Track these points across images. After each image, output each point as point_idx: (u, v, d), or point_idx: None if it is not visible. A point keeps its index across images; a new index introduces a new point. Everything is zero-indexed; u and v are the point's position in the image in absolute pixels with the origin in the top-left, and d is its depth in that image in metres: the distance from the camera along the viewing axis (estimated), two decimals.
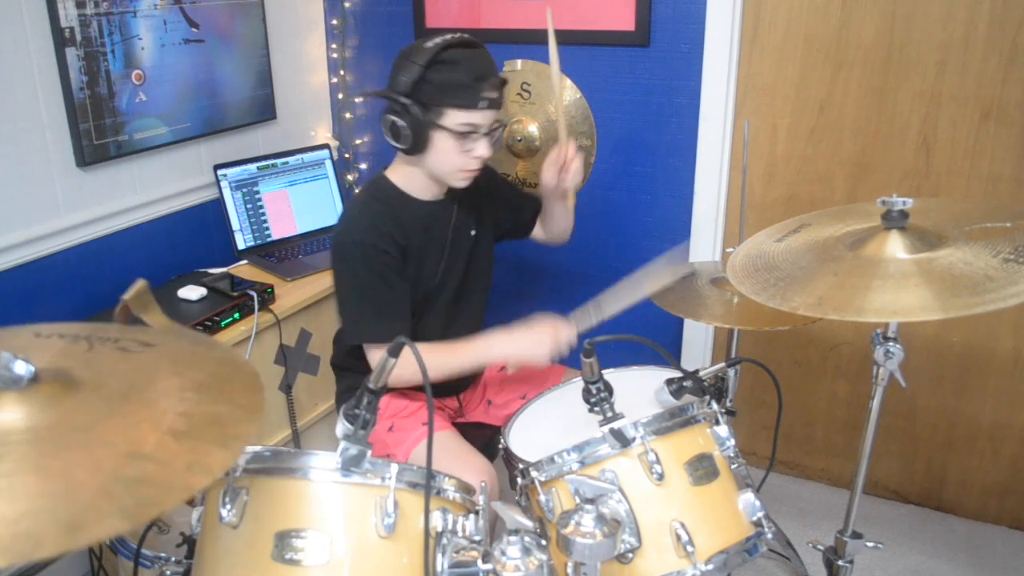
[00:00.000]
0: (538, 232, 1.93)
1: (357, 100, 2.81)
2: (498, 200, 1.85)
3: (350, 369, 1.80)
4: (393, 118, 1.54)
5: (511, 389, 1.88)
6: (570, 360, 1.79)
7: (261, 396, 0.87)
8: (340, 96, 2.82)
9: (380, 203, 1.65)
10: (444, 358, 1.61)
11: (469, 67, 1.51)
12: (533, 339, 1.59)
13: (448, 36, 1.53)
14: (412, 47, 1.54)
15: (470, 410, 1.92)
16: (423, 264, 1.68)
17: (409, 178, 1.66)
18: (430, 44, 1.51)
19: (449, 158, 1.57)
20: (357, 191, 1.67)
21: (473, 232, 1.76)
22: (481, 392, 1.92)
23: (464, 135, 1.54)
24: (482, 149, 1.57)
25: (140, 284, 1.22)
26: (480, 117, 1.53)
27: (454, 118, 1.52)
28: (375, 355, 1.62)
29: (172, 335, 0.98)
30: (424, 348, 1.48)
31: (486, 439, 1.86)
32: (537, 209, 1.89)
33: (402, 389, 1.77)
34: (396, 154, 1.67)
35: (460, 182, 1.63)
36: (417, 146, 1.55)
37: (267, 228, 2.51)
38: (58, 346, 0.89)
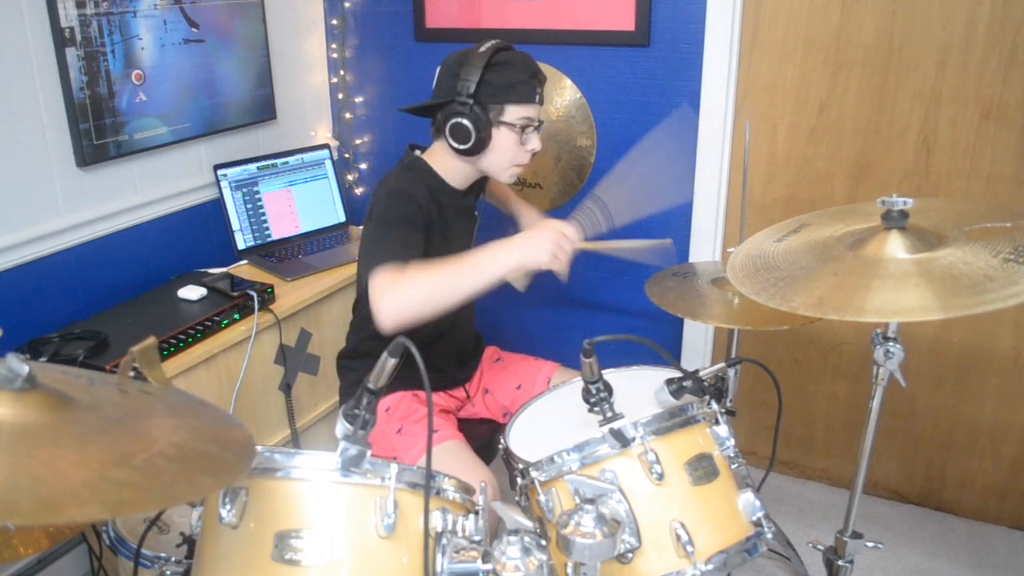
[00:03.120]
0: None
1: (358, 100, 2.81)
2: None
3: (356, 369, 1.82)
4: (458, 120, 1.61)
5: (506, 379, 1.92)
6: (571, 359, 1.80)
7: (252, 451, 0.90)
8: (340, 96, 2.82)
9: (418, 177, 1.70)
10: (441, 275, 1.46)
11: (523, 66, 1.63)
12: (534, 240, 1.47)
13: (493, 41, 1.63)
14: (462, 56, 1.63)
15: (473, 397, 1.95)
16: (444, 245, 1.67)
17: (448, 167, 1.72)
18: (482, 50, 1.60)
19: (508, 154, 1.66)
20: (397, 164, 1.75)
21: (482, 223, 1.84)
22: (478, 379, 1.95)
23: (522, 129, 1.64)
24: (535, 142, 1.67)
25: (150, 340, 1.26)
26: (535, 111, 1.65)
27: (514, 113, 1.62)
28: (378, 281, 1.44)
29: (171, 392, 1.01)
30: (419, 269, 1.44)
31: (486, 436, 1.87)
32: None
33: (414, 391, 1.77)
34: (432, 144, 1.74)
35: (511, 177, 1.71)
36: (480, 145, 1.62)
37: (267, 228, 2.51)
38: (58, 376, 0.90)
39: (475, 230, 1.82)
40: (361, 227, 1.77)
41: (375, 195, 1.69)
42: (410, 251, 1.51)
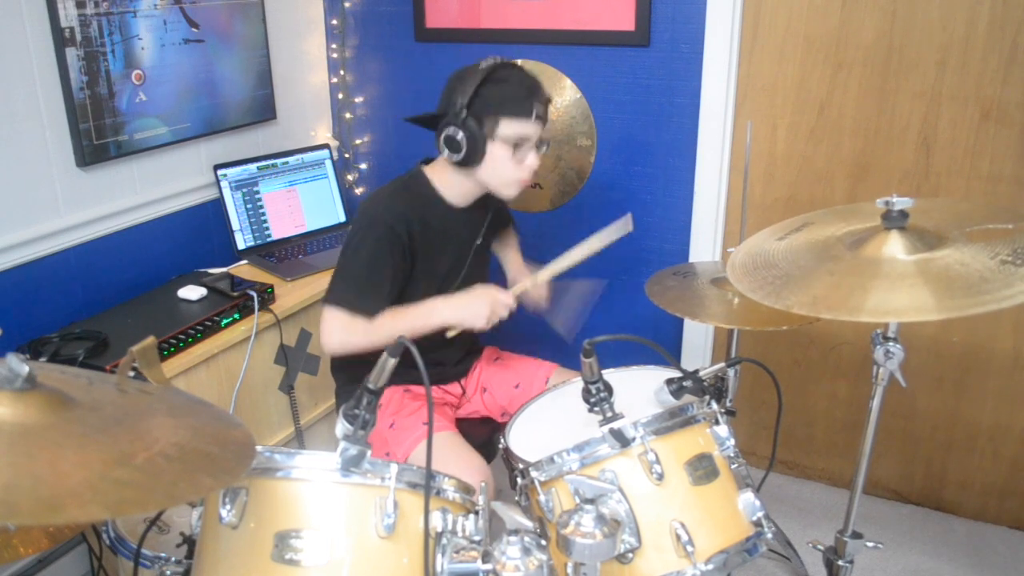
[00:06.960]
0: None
1: (358, 100, 2.81)
2: (501, 224, 1.96)
3: (348, 370, 1.83)
4: (450, 131, 1.62)
5: (504, 378, 1.92)
6: (570, 360, 1.80)
7: (252, 451, 0.91)
8: (340, 96, 2.82)
9: (412, 195, 1.72)
10: (391, 322, 1.65)
11: (520, 82, 1.64)
12: (472, 305, 1.67)
13: (499, 58, 1.64)
14: (465, 70, 1.64)
15: (470, 396, 1.95)
16: (433, 265, 1.74)
17: (448, 182, 1.74)
18: (484, 65, 1.62)
19: (503, 168, 1.66)
20: (397, 177, 1.80)
21: (479, 242, 1.84)
22: (476, 378, 1.95)
23: (517, 145, 1.63)
24: (532, 160, 1.67)
25: (149, 340, 1.28)
26: (531, 128, 1.63)
27: (507, 128, 1.61)
28: (332, 317, 1.65)
29: (171, 392, 1.01)
30: (365, 324, 1.62)
31: (485, 436, 1.86)
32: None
33: (407, 386, 1.78)
34: (438, 156, 1.73)
35: (511, 192, 1.71)
36: (473, 156, 1.63)
37: (267, 228, 2.51)
38: (58, 376, 0.90)
39: (471, 250, 1.80)
40: None
41: (364, 205, 1.72)
42: (368, 299, 1.65)
